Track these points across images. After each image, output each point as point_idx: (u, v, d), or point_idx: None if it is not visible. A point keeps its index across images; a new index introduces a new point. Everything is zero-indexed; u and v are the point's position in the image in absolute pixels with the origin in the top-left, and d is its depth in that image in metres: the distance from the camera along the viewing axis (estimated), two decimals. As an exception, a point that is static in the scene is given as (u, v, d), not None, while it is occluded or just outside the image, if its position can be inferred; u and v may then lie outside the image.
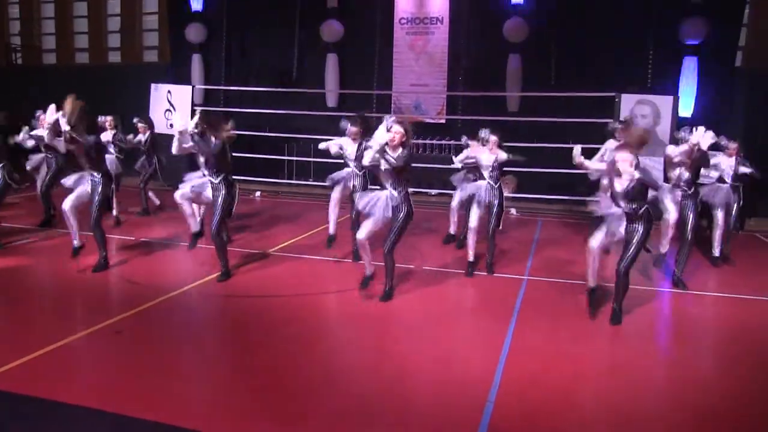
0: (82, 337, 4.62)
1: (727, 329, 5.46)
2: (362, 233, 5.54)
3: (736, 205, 7.32)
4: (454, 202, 7.83)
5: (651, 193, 5.23)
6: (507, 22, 11.41)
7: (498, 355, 4.48)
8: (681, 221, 6.34)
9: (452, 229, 8.07)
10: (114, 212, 8.55)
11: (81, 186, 6.31)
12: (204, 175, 6.19)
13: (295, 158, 12.50)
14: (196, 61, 13.36)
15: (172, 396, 3.78)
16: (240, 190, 6.38)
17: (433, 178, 11.39)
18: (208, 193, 6.12)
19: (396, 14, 12.43)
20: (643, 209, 5.04)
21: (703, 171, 6.62)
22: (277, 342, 4.72)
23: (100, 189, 6.19)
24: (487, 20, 11.78)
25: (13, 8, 16.75)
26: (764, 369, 4.50)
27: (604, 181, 6.47)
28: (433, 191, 11.62)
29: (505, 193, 6.72)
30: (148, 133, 9.25)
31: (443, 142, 11.86)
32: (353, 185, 6.88)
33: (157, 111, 11.83)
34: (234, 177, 6.25)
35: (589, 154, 6.55)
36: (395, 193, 5.43)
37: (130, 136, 9.12)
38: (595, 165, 6.02)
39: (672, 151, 6.21)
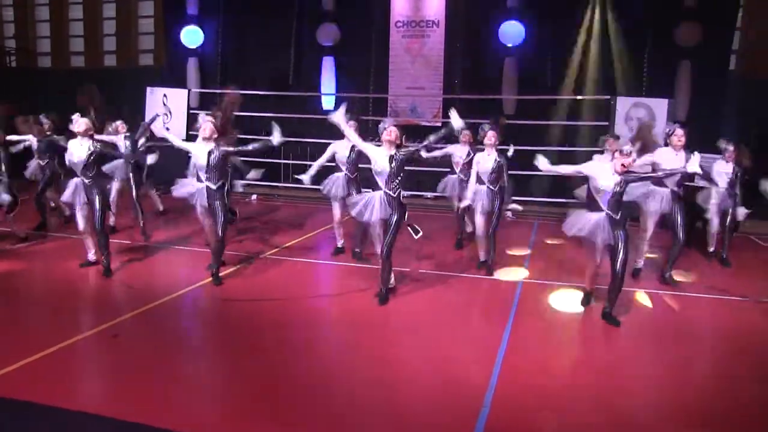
0: (78, 341, 4.60)
1: (723, 330, 5.48)
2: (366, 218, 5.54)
3: (731, 210, 7.43)
4: (461, 207, 7.59)
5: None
6: (503, 25, 11.45)
7: (494, 359, 4.48)
8: (671, 222, 6.42)
9: (469, 229, 8.01)
10: (112, 219, 8.45)
11: (78, 199, 6.23)
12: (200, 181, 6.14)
13: (291, 161, 12.48)
14: (192, 65, 13.35)
15: (169, 400, 3.78)
16: (235, 193, 6.37)
17: (429, 182, 11.39)
18: (204, 200, 6.07)
19: (392, 17, 12.45)
20: (624, 218, 5.20)
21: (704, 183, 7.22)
22: (274, 345, 4.72)
23: (95, 192, 6.15)
24: (483, 23, 11.80)
25: (7, 11, 16.66)
26: (762, 369, 4.51)
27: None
28: (429, 194, 11.62)
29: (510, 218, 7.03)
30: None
31: (439, 145, 11.82)
32: (347, 189, 6.97)
33: (152, 114, 11.79)
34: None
35: (585, 157, 6.56)
36: (390, 193, 5.46)
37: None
38: (564, 169, 5.72)
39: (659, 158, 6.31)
